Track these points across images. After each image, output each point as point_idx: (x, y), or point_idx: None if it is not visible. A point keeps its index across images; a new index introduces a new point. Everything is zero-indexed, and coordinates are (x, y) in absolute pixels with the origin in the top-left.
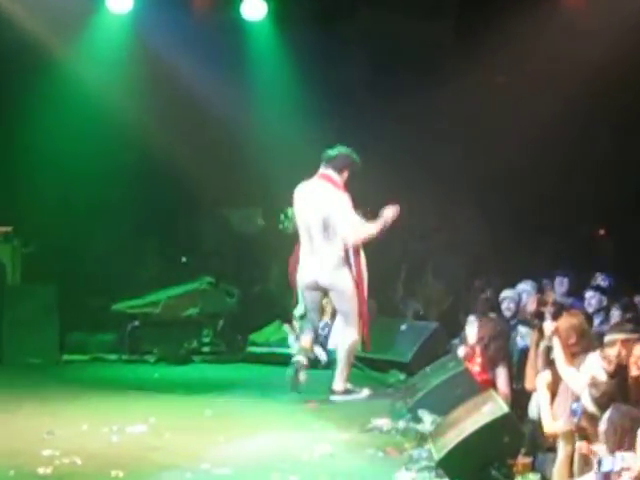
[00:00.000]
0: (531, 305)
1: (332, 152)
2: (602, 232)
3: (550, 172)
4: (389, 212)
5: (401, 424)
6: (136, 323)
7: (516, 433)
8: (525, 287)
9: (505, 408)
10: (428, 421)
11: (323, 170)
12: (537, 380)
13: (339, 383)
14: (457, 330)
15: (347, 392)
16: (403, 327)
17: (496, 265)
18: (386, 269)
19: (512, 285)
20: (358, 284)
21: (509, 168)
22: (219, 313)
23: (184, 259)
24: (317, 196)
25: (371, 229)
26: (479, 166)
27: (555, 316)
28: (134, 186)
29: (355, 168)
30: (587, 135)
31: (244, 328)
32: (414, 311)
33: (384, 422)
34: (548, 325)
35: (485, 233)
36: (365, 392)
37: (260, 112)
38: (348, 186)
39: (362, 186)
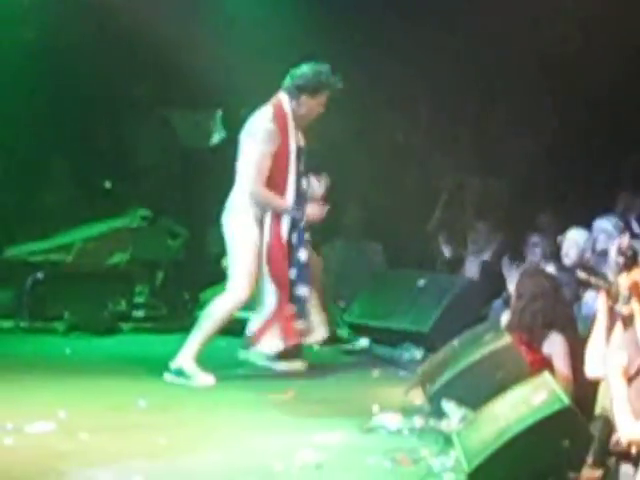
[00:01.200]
0: (612, 252)
1: (294, 71)
2: None
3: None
4: (313, 211)
5: (417, 421)
6: (39, 276)
7: (580, 435)
8: (603, 225)
9: (565, 400)
10: (455, 417)
11: (279, 93)
12: (607, 364)
13: (182, 358)
14: (501, 287)
15: (179, 373)
16: (421, 283)
17: (553, 193)
18: (398, 200)
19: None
20: (272, 248)
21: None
22: (158, 261)
23: (108, 184)
24: (248, 125)
25: (273, 201)
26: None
27: (628, 266)
28: (32, 78)
29: (322, 94)
30: None
31: (193, 283)
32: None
33: (393, 418)
34: (622, 281)
35: (535, 145)
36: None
37: None
38: (309, 117)
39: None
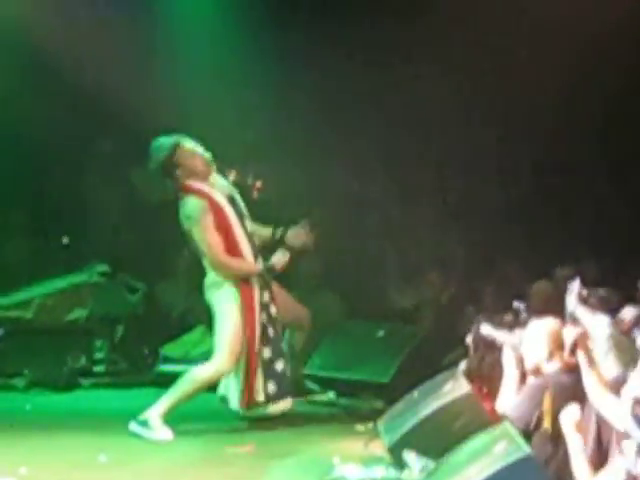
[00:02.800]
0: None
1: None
2: None
3: None
4: (279, 259)
5: (378, 472)
6: None
7: None
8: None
9: (525, 448)
10: (416, 467)
11: None
12: (561, 419)
13: (152, 411)
14: (458, 337)
15: (144, 424)
16: (381, 333)
17: (517, 245)
18: (357, 250)
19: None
20: (245, 314)
21: None
22: (117, 316)
23: (65, 239)
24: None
25: (242, 267)
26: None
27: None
28: None
29: (181, 155)
30: None
31: (153, 338)
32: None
33: (353, 470)
34: (568, 333)
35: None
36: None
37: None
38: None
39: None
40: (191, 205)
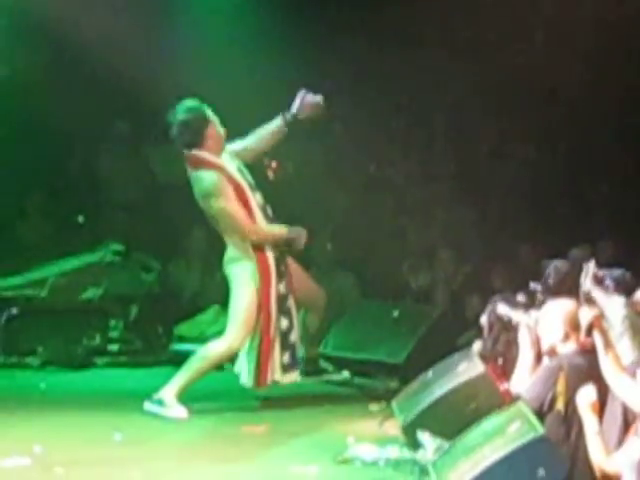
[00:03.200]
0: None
1: (172, 121)
2: None
3: None
4: (298, 234)
5: (392, 452)
6: (13, 311)
7: (556, 463)
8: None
9: (540, 429)
10: (431, 447)
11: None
12: (577, 400)
13: (166, 390)
14: (473, 317)
15: (159, 403)
16: (396, 314)
17: (531, 225)
18: (372, 231)
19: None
20: (261, 292)
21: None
22: (132, 296)
23: (81, 218)
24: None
25: (273, 232)
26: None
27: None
28: (5, 114)
29: (205, 123)
30: None
31: (168, 317)
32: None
33: (368, 449)
34: (584, 314)
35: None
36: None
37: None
38: (217, 143)
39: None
40: (209, 179)
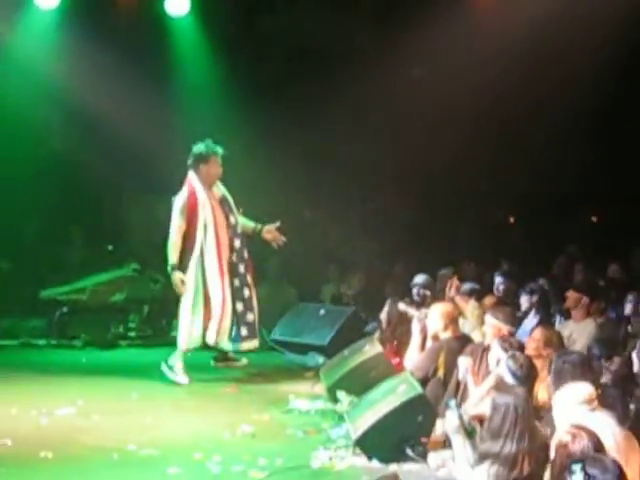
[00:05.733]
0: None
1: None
2: (512, 220)
3: (465, 166)
4: (274, 236)
5: (319, 405)
6: (64, 309)
7: (429, 413)
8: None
9: (419, 389)
10: (345, 402)
11: (188, 172)
12: (459, 364)
13: (178, 361)
14: (373, 314)
15: (171, 369)
16: (322, 312)
17: (414, 251)
18: (306, 257)
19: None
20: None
21: (427, 160)
22: (145, 299)
23: (110, 247)
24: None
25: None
26: (397, 157)
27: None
28: (59, 174)
29: (211, 159)
30: (495, 129)
31: (168, 313)
32: (331, 295)
33: (303, 403)
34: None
35: (404, 219)
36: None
37: (186, 105)
38: (212, 177)
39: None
40: (180, 201)
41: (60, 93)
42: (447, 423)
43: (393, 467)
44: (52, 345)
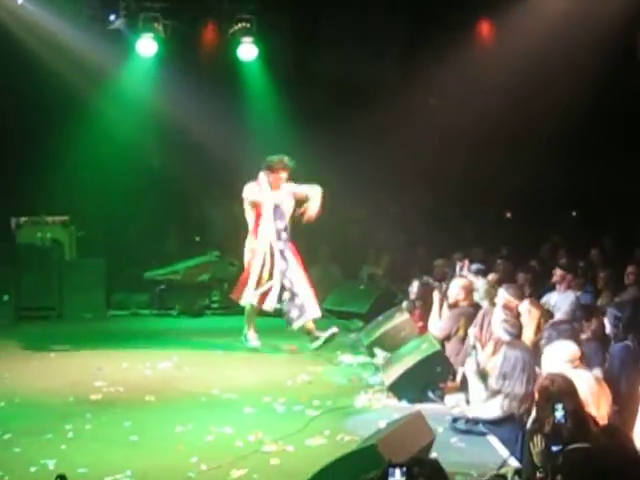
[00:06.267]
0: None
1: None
2: (508, 215)
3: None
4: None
5: (361, 359)
6: (163, 286)
7: (445, 365)
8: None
9: (437, 346)
10: (381, 356)
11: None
12: (469, 332)
13: (250, 331)
14: (402, 289)
15: (246, 339)
16: (361, 287)
17: (433, 238)
18: (349, 244)
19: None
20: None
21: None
22: (224, 278)
23: (197, 238)
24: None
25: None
26: (419, 167)
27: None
28: (156, 185)
29: (282, 169)
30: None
31: None
32: (368, 274)
33: (348, 358)
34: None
35: (425, 213)
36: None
37: (254, 129)
38: (278, 182)
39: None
40: (247, 187)
41: (157, 121)
42: (467, 366)
43: (418, 406)
44: (154, 314)
